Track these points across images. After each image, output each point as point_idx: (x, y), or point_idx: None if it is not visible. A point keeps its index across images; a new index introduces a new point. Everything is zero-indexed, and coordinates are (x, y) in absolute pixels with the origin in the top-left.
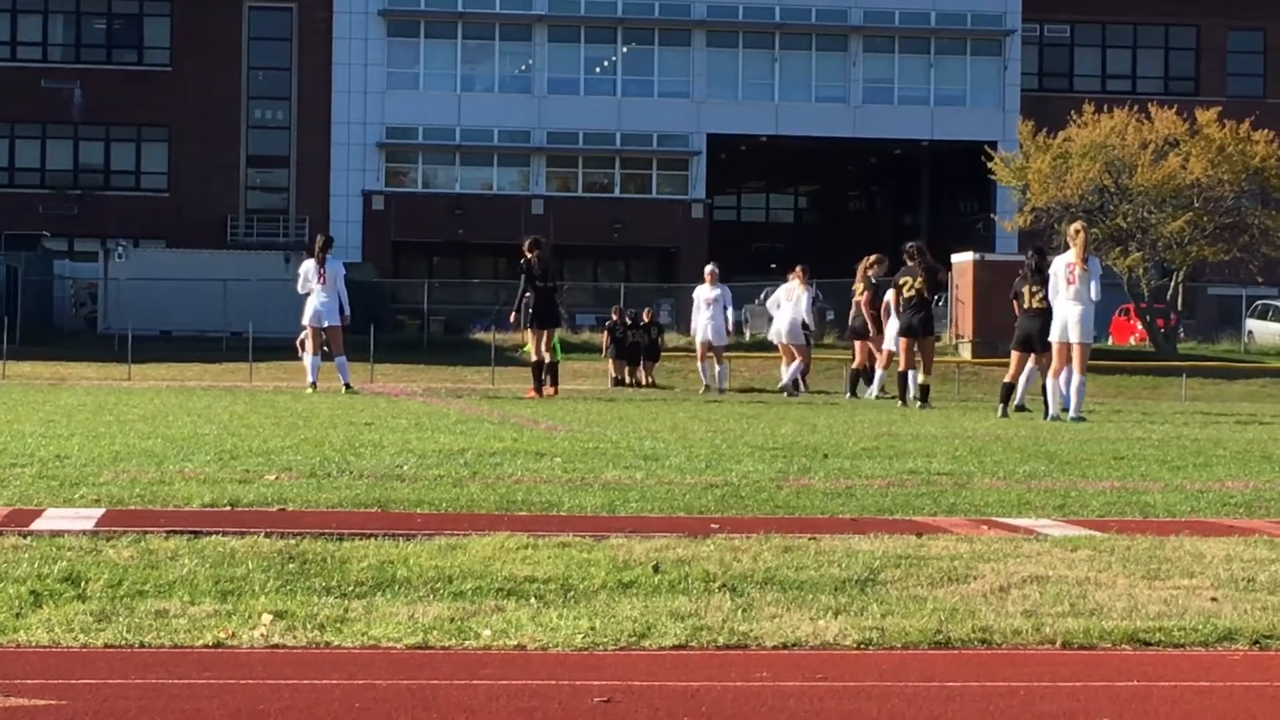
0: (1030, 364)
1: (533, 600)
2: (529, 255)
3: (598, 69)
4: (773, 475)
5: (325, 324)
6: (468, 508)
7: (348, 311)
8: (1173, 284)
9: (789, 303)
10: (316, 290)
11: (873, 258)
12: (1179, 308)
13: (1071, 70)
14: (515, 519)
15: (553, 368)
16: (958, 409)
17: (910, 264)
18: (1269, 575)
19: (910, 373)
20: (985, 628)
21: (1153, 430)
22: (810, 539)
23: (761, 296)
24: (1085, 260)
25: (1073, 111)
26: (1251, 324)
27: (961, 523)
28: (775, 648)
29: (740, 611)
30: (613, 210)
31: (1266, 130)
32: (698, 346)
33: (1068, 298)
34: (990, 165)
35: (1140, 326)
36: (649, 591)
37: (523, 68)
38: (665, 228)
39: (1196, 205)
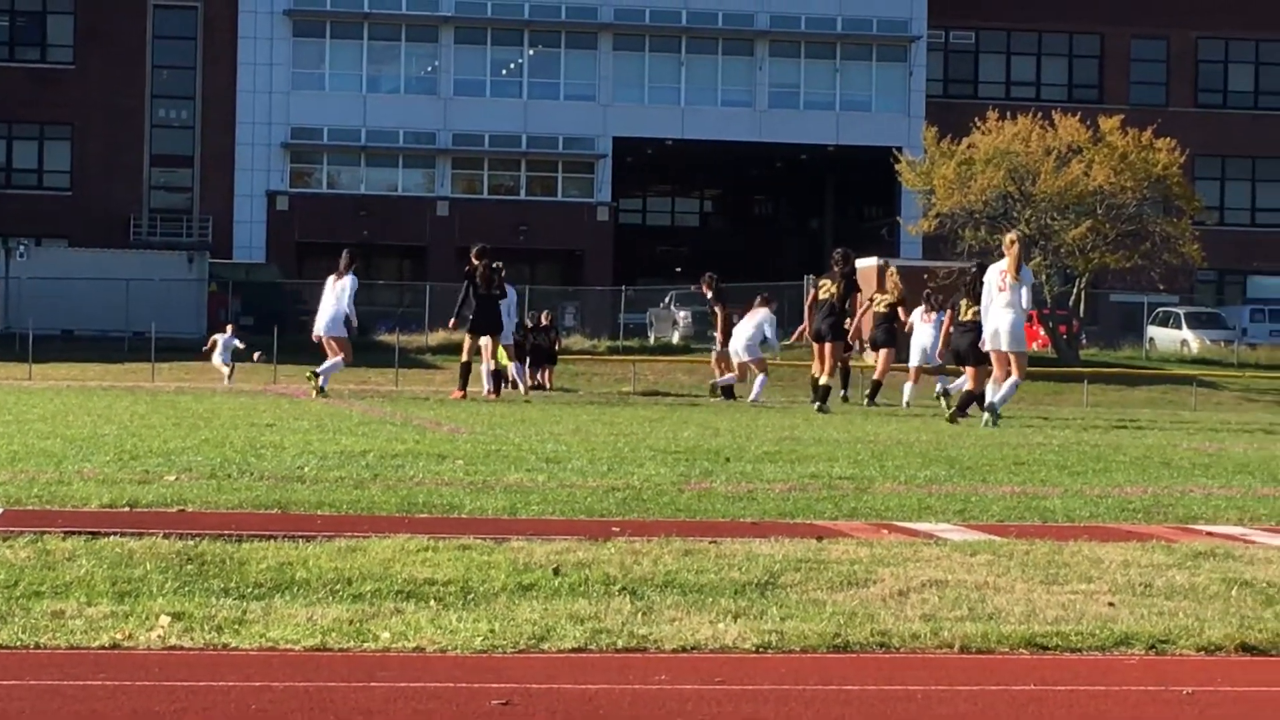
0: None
1: (432, 603)
2: (475, 263)
3: (504, 71)
4: (674, 479)
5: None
6: (368, 510)
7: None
8: (1075, 290)
9: (747, 321)
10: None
11: (894, 272)
12: (1081, 314)
13: (976, 77)
14: (416, 521)
15: (496, 375)
16: (860, 413)
17: (834, 269)
18: (1166, 580)
19: (878, 378)
20: (884, 632)
21: (1053, 436)
22: (711, 542)
23: (666, 300)
24: (1017, 270)
25: (977, 118)
26: (1153, 331)
27: (862, 527)
28: (674, 651)
29: (640, 614)
30: (518, 213)
31: (1169, 138)
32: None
33: (999, 305)
34: (897, 169)
35: (1043, 333)
36: (549, 594)
37: (429, 69)
38: (570, 230)
39: (1099, 212)
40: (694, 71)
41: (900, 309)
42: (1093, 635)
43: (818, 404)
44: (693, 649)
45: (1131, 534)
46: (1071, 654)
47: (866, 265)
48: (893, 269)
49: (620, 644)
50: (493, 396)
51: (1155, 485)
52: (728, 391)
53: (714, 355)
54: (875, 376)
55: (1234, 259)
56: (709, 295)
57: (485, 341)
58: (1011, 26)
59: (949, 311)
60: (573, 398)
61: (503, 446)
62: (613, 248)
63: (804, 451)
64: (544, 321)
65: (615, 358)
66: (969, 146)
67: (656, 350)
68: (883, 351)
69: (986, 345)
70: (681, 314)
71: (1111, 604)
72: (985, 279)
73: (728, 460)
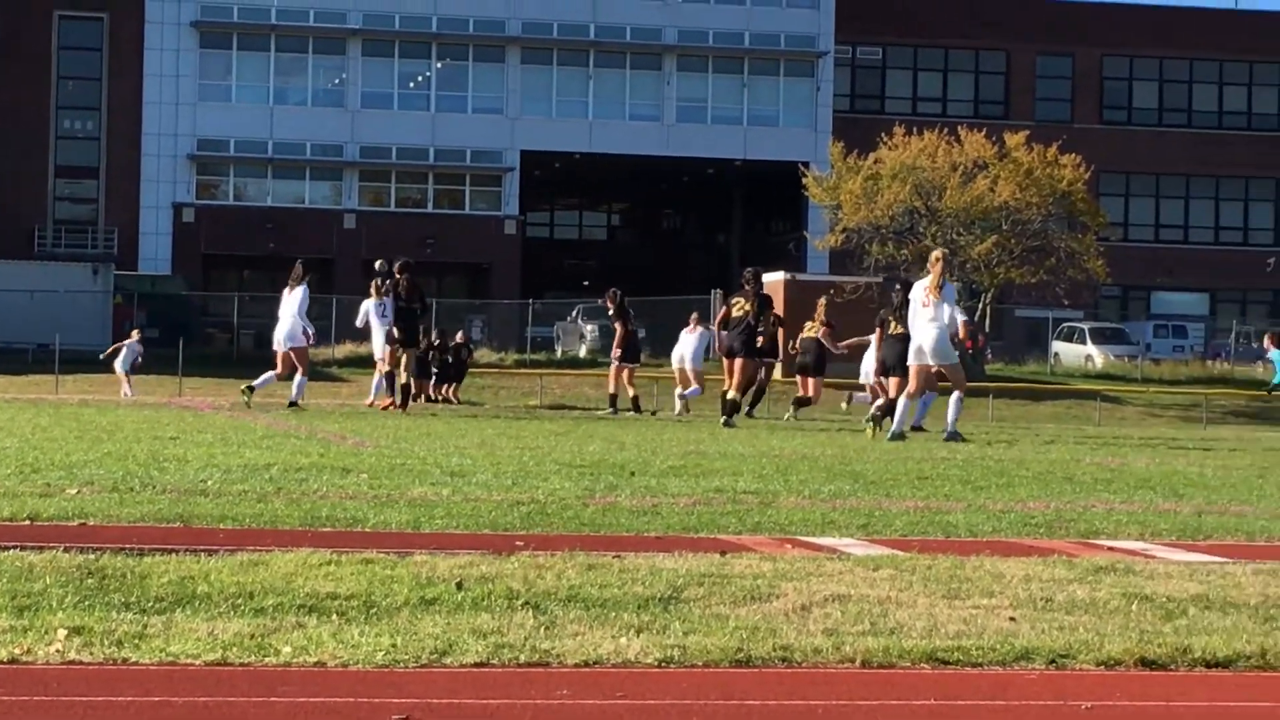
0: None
1: (334, 617)
2: (397, 277)
3: (411, 84)
4: (579, 493)
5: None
6: (271, 523)
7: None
8: (981, 305)
9: (690, 334)
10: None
11: (824, 302)
12: (987, 329)
13: (883, 92)
14: (319, 535)
15: (405, 388)
16: (766, 427)
17: (745, 288)
18: (1066, 595)
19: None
20: (786, 646)
21: (957, 450)
22: (615, 557)
23: (574, 314)
24: (940, 287)
25: (884, 133)
26: (1057, 346)
27: (766, 541)
28: (576, 665)
29: (542, 629)
30: (425, 226)
31: (1074, 155)
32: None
33: (924, 321)
34: (804, 184)
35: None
36: (452, 609)
37: (336, 82)
38: (478, 244)
39: (1004, 228)
40: (602, 85)
41: (827, 336)
42: (993, 650)
43: (724, 419)
44: (595, 664)
45: (1033, 549)
46: (972, 669)
47: (773, 280)
48: (823, 300)
49: (522, 659)
50: (395, 408)
51: (1058, 500)
52: (644, 404)
53: (612, 369)
54: (802, 394)
55: (1138, 275)
56: (610, 310)
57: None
58: (918, 43)
59: (878, 328)
60: (479, 411)
61: (408, 460)
62: (520, 261)
63: (709, 466)
64: (459, 339)
65: (522, 371)
66: (875, 162)
67: (564, 364)
68: (812, 379)
69: (911, 360)
70: (589, 328)
71: (1013, 619)
72: (911, 294)
73: (632, 474)
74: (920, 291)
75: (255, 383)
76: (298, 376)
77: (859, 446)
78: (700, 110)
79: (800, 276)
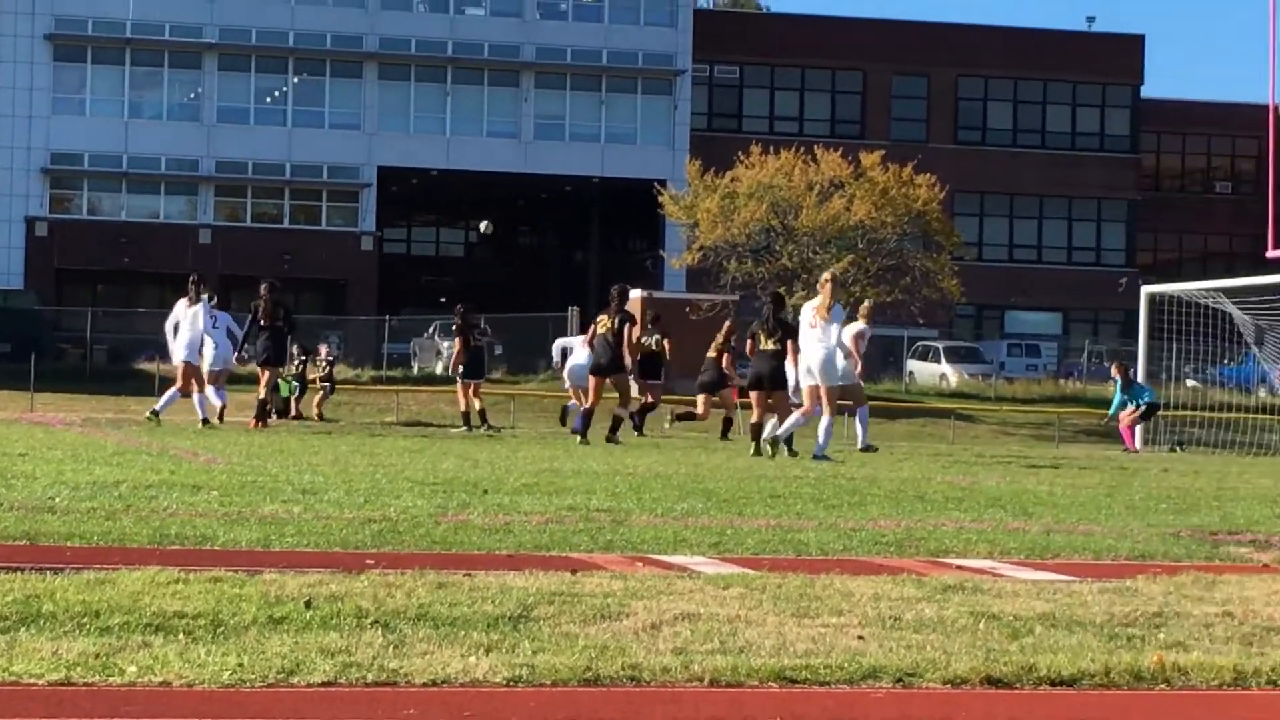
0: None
1: (181, 636)
2: (263, 296)
3: (268, 99)
4: (431, 511)
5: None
6: (120, 541)
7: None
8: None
9: (584, 349)
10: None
11: (728, 323)
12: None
13: (740, 111)
14: (168, 553)
15: (261, 405)
16: (620, 445)
17: (611, 305)
18: (915, 614)
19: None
20: (635, 665)
21: (810, 469)
22: (465, 575)
23: (430, 330)
24: (830, 308)
25: (740, 152)
26: (912, 364)
27: (617, 560)
28: (424, 685)
29: (391, 648)
30: (282, 241)
31: (929, 174)
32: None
33: (813, 341)
34: (661, 201)
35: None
36: (300, 628)
37: (192, 95)
38: (335, 259)
39: (860, 246)
40: (459, 102)
41: (730, 364)
42: (841, 668)
43: (578, 435)
44: (443, 683)
45: (883, 567)
46: (820, 687)
47: (631, 297)
48: (729, 323)
49: (370, 678)
50: (255, 426)
51: (908, 519)
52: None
53: (458, 385)
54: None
55: (992, 294)
56: (454, 327)
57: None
58: (775, 62)
59: (749, 342)
60: (334, 428)
61: (259, 477)
62: (377, 277)
63: (562, 484)
64: (321, 354)
65: (379, 387)
66: (732, 180)
67: (420, 380)
68: (703, 396)
69: (801, 380)
70: (445, 344)
71: (861, 637)
72: (801, 316)
73: (485, 492)
74: (809, 313)
75: (158, 405)
76: (171, 392)
77: (712, 465)
78: (558, 127)
79: (657, 294)
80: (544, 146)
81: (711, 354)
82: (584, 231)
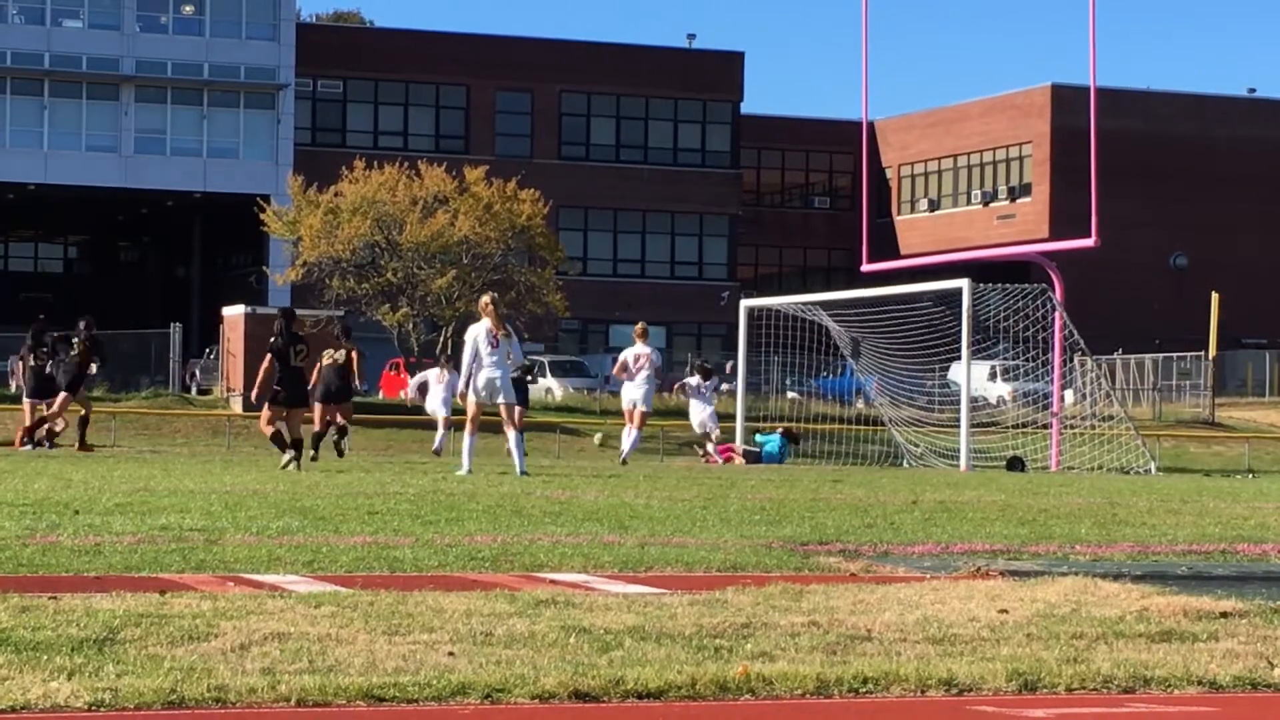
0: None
1: None
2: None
3: None
4: (20, 532)
5: None
6: None
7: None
8: (441, 339)
9: (438, 383)
10: None
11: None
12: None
13: (345, 125)
14: None
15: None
16: (221, 463)
17: (335, 340)
18: (506, 629)
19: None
20: (221, 686)
21: (410, 484)
22: (50, 598)
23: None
24: (502, 327)
25: (345, 167)
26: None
27: (208, 579)
28: (3, 712)
29: None
30: None
31: (533, 189)
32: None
33: (489, 362)
34: (263, 218)
35: (411, 381)
36: None
37: None
38: None
39: (465, 261)
40: (57, 115)
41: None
42: (430, 685)
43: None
44: (24, 708)
45: (477, 583)
46: (408, 705)
47: (233, 314)
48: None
49: None
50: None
51: (505, 534)
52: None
53: (26, 404)
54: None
55: (596, 308)
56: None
57: None
58: (379, 76)
59: (322, 356)
60: None
61: None
62: None
63: (157, 503)
64: None
65: None
66: (336, 195)
67: (16, 399)
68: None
69: (482, 398)
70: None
71: (452, 653)
72: (472, 336)
73: (76, 513)
74: (483, 332)
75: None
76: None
77: (311, 482)
78: (159, 141)
79: (260, 310)
80: (145, 161)
81: (328, 362)
82: (187, 247)
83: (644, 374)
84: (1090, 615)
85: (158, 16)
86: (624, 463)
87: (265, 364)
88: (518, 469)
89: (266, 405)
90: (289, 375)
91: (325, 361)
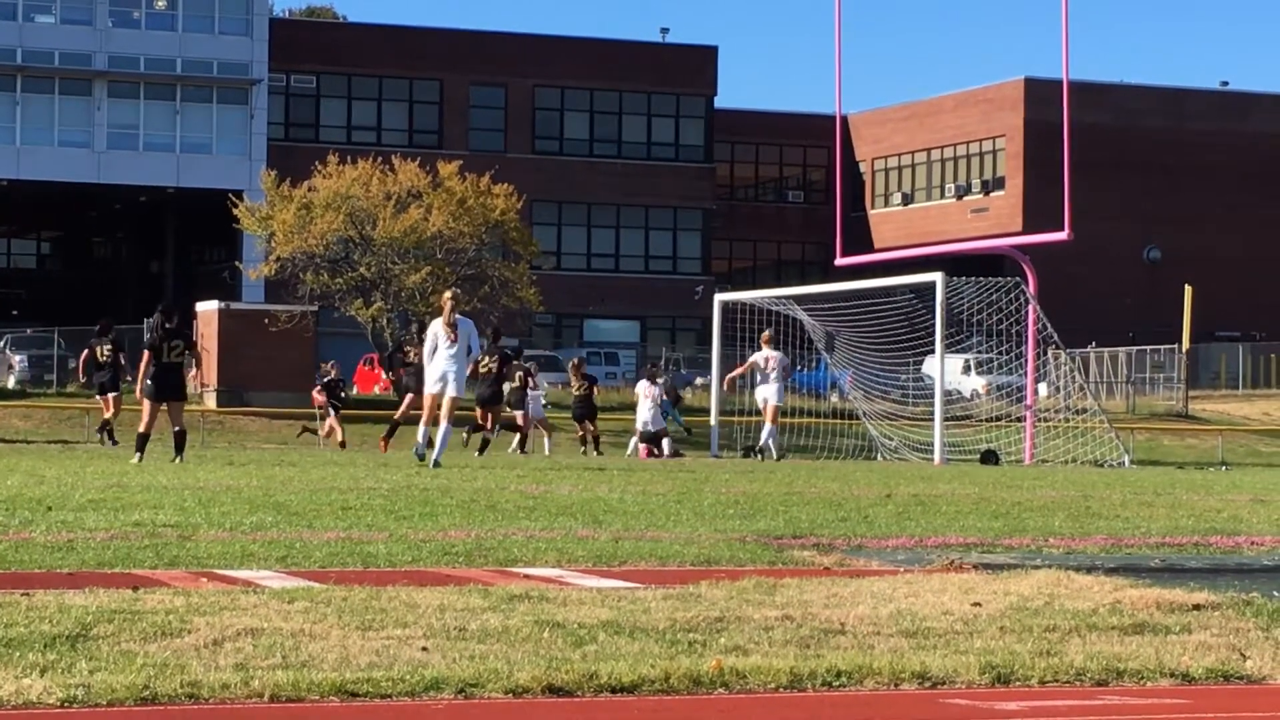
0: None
1: None
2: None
3: None
4: None
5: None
6: None
7: None
8: (415, 334)
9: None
10: None
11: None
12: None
13: (318, 121)
14: None
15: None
16: (194, 459)
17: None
18: (480, 624)
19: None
20: (194, 682)
21: (384, 479)
22: (24, 595)
23: (2, 344)
24: (456, 324)
25: (318, 162)
26: None
27: (181, 575)
28: None
29: None
30: None
31: (506, 184)
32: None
33: (448, 355)
34: (236, 214)
35: (385, 376)
36: None
37: None
38: None
39: (439, 256)
40: (30, 110)
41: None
42: (403, 680)
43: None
44: None
45: (451, 578)
46: (382, 700)
47: (207, 309)
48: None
49: None
50: None
51: (479, 529)
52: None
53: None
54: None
55: (571, 303)
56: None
57: None
58: (352, 71)
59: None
60: None
61: None
62: None
63: (130, 499)
64: None
65: None
66: (309, 190)
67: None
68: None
69: (434, 389)
70: (18, 358)
71: (425, 649)
72: (430, 332)
73: (49, 509)
74: (441, 327)
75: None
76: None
77: (284, 478)
78: (132, 137)
79: (235, 306)
80: (118, 156)
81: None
82: (160, 242)
83: (774, 374)
84: (1063, 608)
85: (130, 12)
86: (760, 452)
87: (143, 359)
88: (434, 458)
89: (145, 400)
90: (162, 370)
91: (481, 371)
